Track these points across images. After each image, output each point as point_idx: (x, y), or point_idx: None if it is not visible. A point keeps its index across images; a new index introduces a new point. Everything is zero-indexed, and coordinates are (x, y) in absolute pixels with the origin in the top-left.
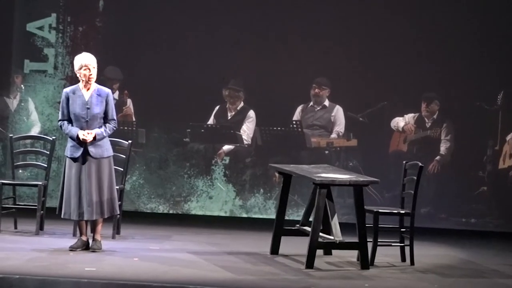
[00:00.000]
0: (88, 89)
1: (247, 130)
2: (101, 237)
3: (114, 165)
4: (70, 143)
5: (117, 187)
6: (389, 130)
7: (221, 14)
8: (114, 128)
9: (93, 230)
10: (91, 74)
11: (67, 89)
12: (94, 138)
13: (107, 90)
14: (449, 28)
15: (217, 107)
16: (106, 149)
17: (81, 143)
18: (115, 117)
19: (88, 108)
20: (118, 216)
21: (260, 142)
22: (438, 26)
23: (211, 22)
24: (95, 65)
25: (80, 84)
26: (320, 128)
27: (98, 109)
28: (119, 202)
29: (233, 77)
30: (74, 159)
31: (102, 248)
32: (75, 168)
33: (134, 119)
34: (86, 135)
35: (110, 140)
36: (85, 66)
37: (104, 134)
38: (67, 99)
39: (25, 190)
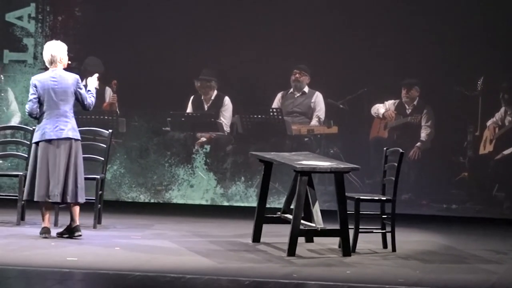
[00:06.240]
0: None
1: (224, 120)
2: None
3: (95, 155)
4: None
5: (98, 176)
6: (370, 116)
7: (200, 2)
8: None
9: None
10: None
11: None
12: None
13: None
14: (429, 13)
15: (192, 97)
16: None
17: None
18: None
19: None
20: (99, 205)
21: (241, 130)
22: (417, 12)
23: (189, 10)
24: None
25: None
26: (300, 115)
27: None
28: (100, 192)
29: (208, 65)
30: None
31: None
32: None
33: (117, 110)
34: None
35: (90, 129)
36: None
37: None
38: None
39: (6, 181)
